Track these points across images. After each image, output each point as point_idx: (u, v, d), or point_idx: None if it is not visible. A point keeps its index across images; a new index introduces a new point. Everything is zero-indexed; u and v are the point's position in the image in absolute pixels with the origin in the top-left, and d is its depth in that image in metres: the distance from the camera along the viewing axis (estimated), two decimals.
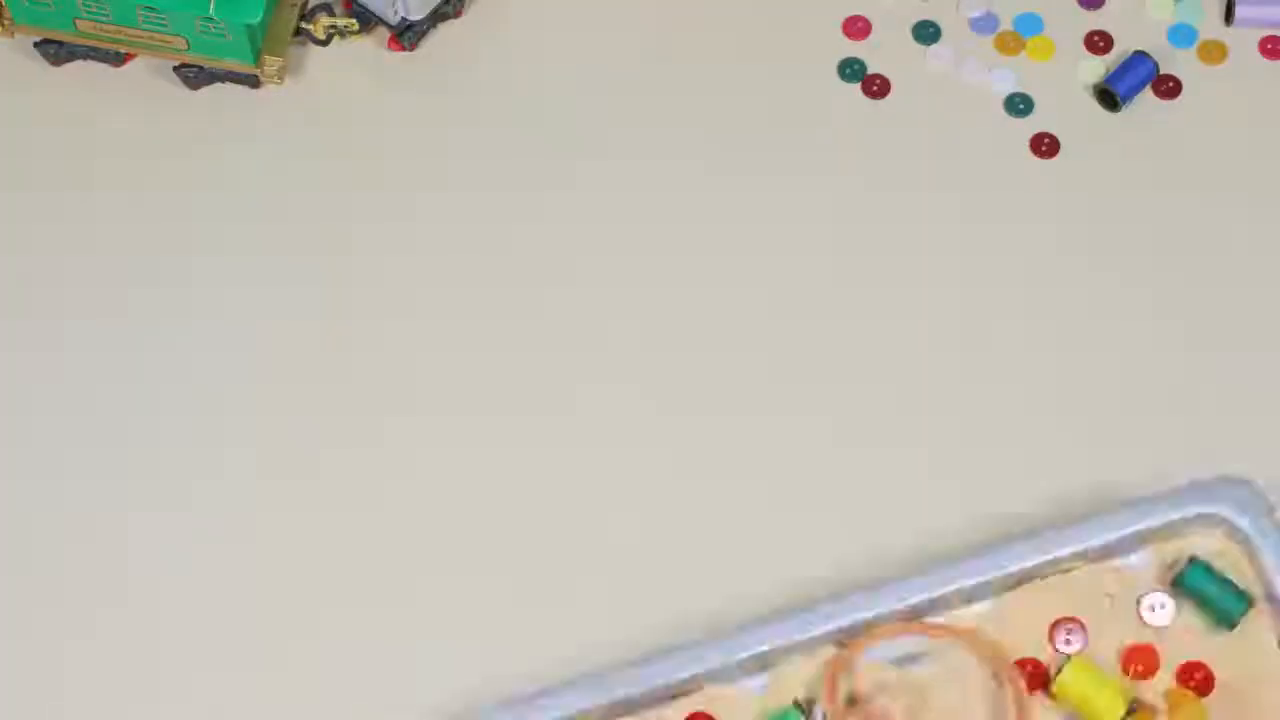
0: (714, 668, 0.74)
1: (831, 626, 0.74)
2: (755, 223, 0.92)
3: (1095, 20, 0.97)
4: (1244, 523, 0.76)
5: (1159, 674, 0.75)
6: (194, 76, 0.93)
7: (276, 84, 0.93)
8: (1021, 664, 0.74)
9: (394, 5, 0.93)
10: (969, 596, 0.75)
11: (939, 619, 0.75)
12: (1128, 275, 0.90)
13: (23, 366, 0.88)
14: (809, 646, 0.74)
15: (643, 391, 0.87)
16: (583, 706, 0.73)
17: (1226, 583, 0.75)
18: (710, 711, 0.74)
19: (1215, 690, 0.73)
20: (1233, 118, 0.94)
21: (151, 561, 0.83)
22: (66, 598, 0.82)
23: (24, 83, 0.95)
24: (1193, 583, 0.75)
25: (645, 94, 0.95)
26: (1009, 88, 0.95)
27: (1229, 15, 0.97)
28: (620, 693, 0.73)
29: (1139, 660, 0.74)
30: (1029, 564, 0.75)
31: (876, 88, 0.95)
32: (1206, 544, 0.76)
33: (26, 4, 0.91)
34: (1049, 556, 0.75)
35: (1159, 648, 0.75)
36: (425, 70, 0.96)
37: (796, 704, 0.73)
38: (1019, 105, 0.95)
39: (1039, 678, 0.74)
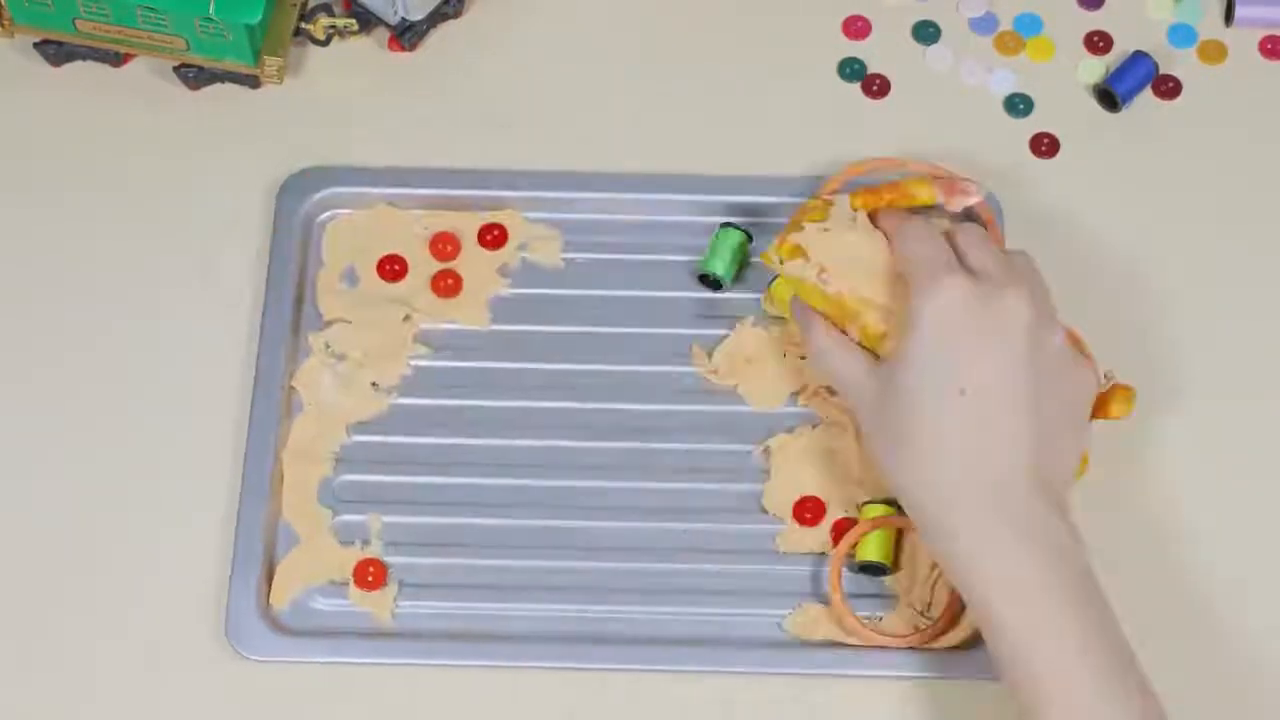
0: None
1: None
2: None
3: (1095, 20, 0.97)
4: None
5: None
6: (194, 76, 0.93)
7: (276, 84, 0.93)
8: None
9: (394, 5, 0.93)
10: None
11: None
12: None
13: (21, 363, 0.88)
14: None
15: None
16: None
17: None
18: None
19: None
20: (1233, 118, 0.94)
21: None
22: None
23: (24, 83, 0.95)
24: None
25: (645, 94, 0.95)
26: (1009, 88, 0.95)
27: (1229, 15, 0.97)
28: None
29: None
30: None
31: (876, 88, 0.95)
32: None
33: (26, 4, 0.91)
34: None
35: None
36: (425, 70, 0.96)
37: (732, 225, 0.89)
38: (1019, 105, 0.95)
39: None
